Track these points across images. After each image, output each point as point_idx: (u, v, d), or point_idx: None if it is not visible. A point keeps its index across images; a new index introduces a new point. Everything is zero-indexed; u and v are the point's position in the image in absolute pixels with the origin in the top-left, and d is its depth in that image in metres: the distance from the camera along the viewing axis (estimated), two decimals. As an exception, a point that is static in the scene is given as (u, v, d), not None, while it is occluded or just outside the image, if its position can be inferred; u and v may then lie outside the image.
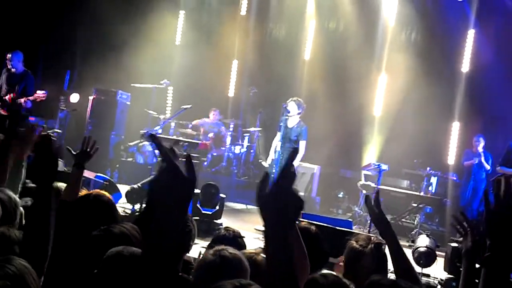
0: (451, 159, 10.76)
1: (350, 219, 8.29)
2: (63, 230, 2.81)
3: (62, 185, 3.47)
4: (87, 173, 6.81)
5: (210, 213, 7.17)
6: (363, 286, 1.74)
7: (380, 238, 2.74)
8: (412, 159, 10.51)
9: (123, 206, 7.21)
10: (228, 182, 10.58)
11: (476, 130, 9.76)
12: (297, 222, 3.03)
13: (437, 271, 6.10)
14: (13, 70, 8.60)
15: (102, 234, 2.37)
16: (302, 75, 12.48)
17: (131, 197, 7.29)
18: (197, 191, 7.19)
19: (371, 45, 11.81)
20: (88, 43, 12.36)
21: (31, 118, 10.16)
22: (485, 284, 1.56)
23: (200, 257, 2.36)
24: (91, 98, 10.92)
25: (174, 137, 10.78)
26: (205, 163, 11.47)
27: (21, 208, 2.84)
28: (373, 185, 9.31)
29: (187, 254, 3.42)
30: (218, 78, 12.96)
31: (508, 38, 10.17)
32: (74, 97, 11.17)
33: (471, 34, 10.98)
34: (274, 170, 7.83)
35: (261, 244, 3.17)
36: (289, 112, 7.91)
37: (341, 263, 3.14)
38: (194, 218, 6.55)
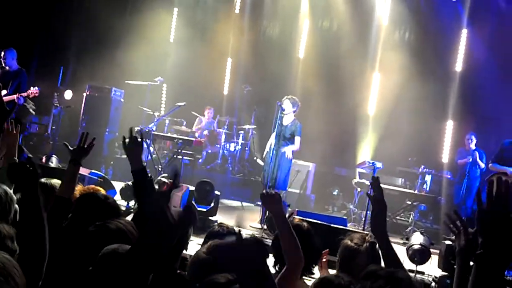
0: (445, 157, 10.82)
1: (344, 217, 8.31)
2: (59, 225, 2.81)
3: (56, 181, 3.45)
4: (81, 170, 6.79)
5: (205, 210, 7.16)
6: (360, 277, 1.75)
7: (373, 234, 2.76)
8: (406, 157, 10.55)
9: (118, 203, 7.18)
10: (223, 180, 10.57)
11: (470, 129, 9.80)
12: (290, 219, 3.04)
13: (432, 268, 6.12)
14: (7, 68, 8.55)
15: (98, 230, 2.36)
16: (296, 73, 12.50)
17: (126, 193, 7.28)
18: (192, 188, 7.19)
19: (365, 44, 11.84)
20: (82, 40, 12.32)
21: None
22: (476, 280, 1.57)
23: (194, 254, 2.35)
24: (84, 94, 10.88)
25: (169, 134, 10.77)
26: (200, 160, 11.47)
27: (16, 206, 2.83)
28: (367, 183, 9.33)
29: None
30: (212, 76, 12.95)
31: (500, 38, 10.21)
32: (68, 94, 11.13)
33: (464, 33, 11.03)
34: (267, 167, 7.83)
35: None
36: (284, 110, 7.91)
37: (324, 259, 3.15)
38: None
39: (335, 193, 11.08)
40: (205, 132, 11.66)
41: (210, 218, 7.16)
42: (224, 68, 13.36)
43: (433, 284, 5.54)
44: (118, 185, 7.53)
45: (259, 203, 7.91)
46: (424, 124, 10.67)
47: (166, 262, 2.41)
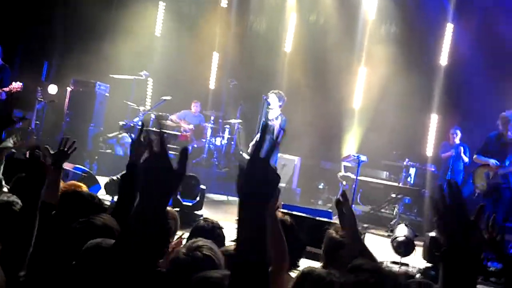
0: (429, 150, 10.90)
1: (330, 210, 8.35)
2: (45, 227, 2.79)
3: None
4: (65, 165, 6.73)
5: (190, 204, 7.16)
6: (346, 270, 1.76)
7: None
8: (391, 150, 10.63)
9: (102, 198, 7.13)
10: (208, 174, 10.56)
11: (454, 123, 9.88)
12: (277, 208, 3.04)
13: (416, 260, 6.18)
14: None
15: (84, 226, 2.35)
16: (283, 67, 12.49)
17: (110, 188, 7.23)
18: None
19: (351, 38, 11.87)
20: (67, 35, 12.18)
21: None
22: (444, 279, 1.56)
23: (173, 253, 2.34)
24: (69, 89, 10.78)
25: (154, 129, 10.71)
26: (186, 154, 11.42)
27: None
28: (352, 176, 9.39)
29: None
30: (198, 70, 12.89)
31: (485, 32, 10.29)
32: (52, 89, 11.02)
33: (449, 27, 11.09)
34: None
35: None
36: (269, 105, 7.91)
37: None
38: (174, 209, 6.56)
39: (320, 186, 11.13)
40: (191, 127, 11.62)
41: (196, 212, 7.16)
42: (210, 63, 13.30)
43: (417, 275, 5.59)
44: (103, 180, 7.48)
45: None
46: (409, 117, 10.74)
47: (149, 258, 2.40)
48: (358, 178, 8.62)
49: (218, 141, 11.39)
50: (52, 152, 3.30)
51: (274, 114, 8.07)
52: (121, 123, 10.48)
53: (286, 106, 8.29)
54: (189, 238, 3.21)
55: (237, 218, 1.41)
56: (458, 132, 9.55)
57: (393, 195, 9.59)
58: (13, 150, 7.08)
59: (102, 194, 7.25)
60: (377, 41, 11.58)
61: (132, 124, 8.95)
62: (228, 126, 11.53)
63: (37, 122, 10.75)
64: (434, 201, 1.64)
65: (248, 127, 11.27)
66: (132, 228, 1.42)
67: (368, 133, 11.17)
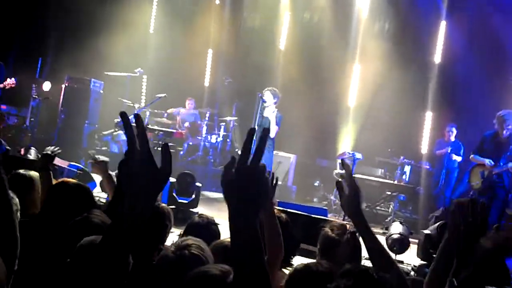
0: (424, 148, 10.93)
1: (325, 207, 8.37)
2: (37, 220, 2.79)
3: (35, 173, 3.44)
4: (60, 162, 6.73)
5: (186, 202, 7.16)
6: (338, 275, 1.76)
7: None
8: (386, 148, 10.65)
9: (98, 195, 7.12)
10: (204, 171, 10.56)
11: (448, 120, 9.92)
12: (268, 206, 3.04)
13: (411, 257, 6.20)
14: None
15: (81, 223, 2.35)
16: (277, 65, 12.49)
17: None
18: (173, 180, 7.17)
19: (345, 36, 11.88)
20: (61, 32, 12.14)
21: (3, 107, 9.95)
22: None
23: (162, 251, 2.34)
24: (63, 86, 10.74)
25: (149, 126, 10.70)
26: (182, 152, 11.42)
27: None
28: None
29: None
30: (193, 67, 12.87)
31: (479, 30, 10.32)
32: (47, 85, 10.98)
33: (442, 25, 11.12)
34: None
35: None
36: (265, 102, 7.91)
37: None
38: (170, 207, 6.56)
39: (316, 184, 11.14)
40: (186, 124, 11.60)
41: (191, 210, 7.16)
42: (205, 60, 13.29)
43: (412, 273, 5.61)
44: (98, 178, 7.46)
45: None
46: (403, 115, 10.77)
47: (144, 254, 2.41)
48: (354, 175, 8.60)
49: (213, 139, 11.38)
50: (39, 155, 3.37)
51: (269, 111, 8.07)
52: (116, 120, 10.46)
53: (281, 104, 8.30)
54: (183, 235, 3.21)
55: (228, 226, 1.39)
56: (454, 129, 9.58)
57: (388, 193, 9.62)
58: (7, 147, 7.07)
59: (97, 192, 7.24)
60: (371, 39, 11.60)
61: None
62: (223, 123, 11.52)
63: (32, 119, 10.72)
64: (453, 215, 1.66)
65: (243, 124, 11.27)
66: (119, 226, 1.40)
67: (363, 131, 11.19)
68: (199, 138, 11.48)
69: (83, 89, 10.72)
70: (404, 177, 9.84)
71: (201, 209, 7.31)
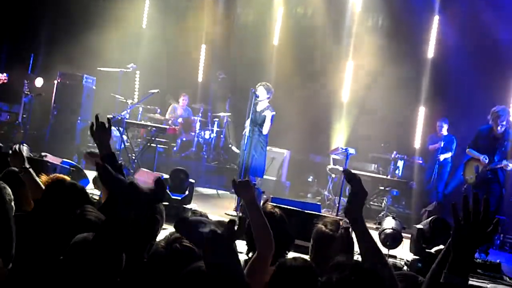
0: (417, 143, 10.97)
1: (319, 203, 8.39)
2: (31, 216, 2.78)
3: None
4: (53, 159, 6.71)
5: (179, 198, 7.13)
6: (329, 268, 1.77)
7: (347, 222, 2.77)
8: (379, 143, 10.67)
9: (91, 192, 7.10)
10: (198, 167, 10.55)
11: (441, 115, 9.96)
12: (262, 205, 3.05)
13: (403, 252, 6.23)
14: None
15: (78, 220, 2.35)
16: (271, 60, 12.47)
17: (99, 183, 7.19)
18: (166, 176, 7.15)
19: (339, 31, 11.88)
20: (53, 27, 12.08)
21: None
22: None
23: (153, 246, 2.34)
24: (56, 82, 10.68)
25: (142, 122, 10.67)
26: (175, 148, 11.41)
27: None
28: (341, 169, 9.42)
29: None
30: (186, 63, 12.85)
31: (471, 25, 10.35)
32: (39, 81, 10.91)
33: (435, 20, 11.14)
34: (243, 154, 7.83)
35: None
36: (258, 97, 7.90)
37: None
38: (163, 203, 6.54)
39: (310, 179, 11.16)
40: (180, 120, 11.58)
41: (185, 206, 7.14)
42: (198, 55, 13.25)
43: (405, 267, 5.63)
44: (92, 174, 7.43)
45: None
46: (396, 110, 10.80)
47: (136, 251, 2.40)
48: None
49: (207, 135, 11.37)
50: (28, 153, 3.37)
51: (262, 106, 8.06)
52: (109, 116, 10.41)
53: (275, 99, 8.29)
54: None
55: (226, 212, 1.43)
56: (444, 124, 9.63)
57: (381, 188, 9.65)
58: (0, 144, 7.03)
59: (90, 188, 7.21)
60: (364, 34, 11.60)
61: (120, 117, 8.88)
62: (217, 119, 11.51)
63: (24, 115, 10.66)
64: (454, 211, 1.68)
65: (237, 120, 11.26)
66: (113, 224, 1.41)
67: (356, 126, 11.22)
68: (193, 134, 11.46)
69: (76, 85, 10.67)
70: (397, 172, 9.87)
71: (194, 205, 7.30)
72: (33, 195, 3.14)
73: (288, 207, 5.91)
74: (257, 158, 7.91)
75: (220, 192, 9.56)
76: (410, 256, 5.95)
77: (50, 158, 6.68)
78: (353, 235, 2.73)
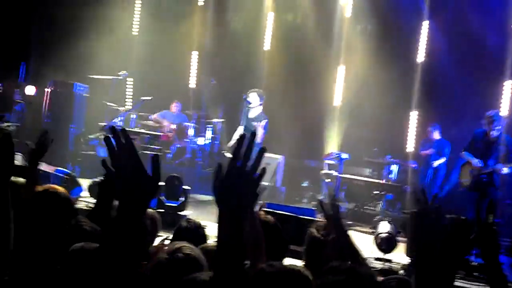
0: (410, 147, 11.02)
1: (314, 208, 8.39)
2: (24, 226, 2.76)
3: (21, 180, 3.40)
4: (47, 168, 6.67)
5: (174, 205, 7.12)
6: (323, 272, 1.77)
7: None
8: (373, 147, 10.70)
9: (86, 201, 7.08)
10: (192, 174, 10.51)
11: (433, 119, 10.02)
12: (256, 208, 3.05)
13: (399, 256, 6.24)
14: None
15: (73, 230, 2.34)
16: (262, 66, 12.50)
17: (94, 190, 7.16)
18: (161, 183, 7.13)
19: (329, 36, 11.92)
20: (44, 35, 12.04)
21: None
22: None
23: (155, 257, 2.33)
24: (47, 90, 10.64)
25: (136, 129, 10.65)
26: (169, 155, 11.37)
27: None
28: (335, 173, 9.45)
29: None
30: (178, 69, 12.84)
31: (460, 29, 10.45)
32: (30, 90, 10.87)
33: (425, 25, 11.22)
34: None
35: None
36: (250, 103, 7.91)
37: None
38: (158, 210, 6.52)
39: (304, 184, 11.17)
40: (173, 127, 11.56)
41: (180, 213, 7.13)
42: (189, 62, 13.25)
43: (401, 271, 5.65)
44: (87, 183, 7.41)
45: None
46: (389, 114, 10.83)
47: (130, 261, 2.38)
48: (341, 175, 8.67)
49: (201, 141, 11.36)
50: (33, 147, 3.32)
51: (255, 113, 8.08)
52: (101, 124, 10.39)
53: (267, 105, 8.31)
54: (172, 240, 3.20)
55: (217, 227, 1.44)
56: (434, 129, 9.69)
57: (376, 192, 9.67)
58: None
59: (85, 197, 7.19)
60: (354, 38, 11.67)
61: (112, 125, 8.87)
62: (210, 125, 11.50)
63: (17, 124, 10.60)
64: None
65: (229, 126, 11.26)
66: (112, 234, 1.42)
67: (349, 130, 11.24)
68: (186, 140, 11.45)
69: (67, 93, 10.62)
70: (391, 176, 9.91)
71: (189, 212, 7.29)
72: (26, 194, 3.09)
73: (283, 212, 5.91)
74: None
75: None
76: (406, 260, 5.97)
77: (44, 166, 6.64)
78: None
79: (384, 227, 6.39)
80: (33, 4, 11.86)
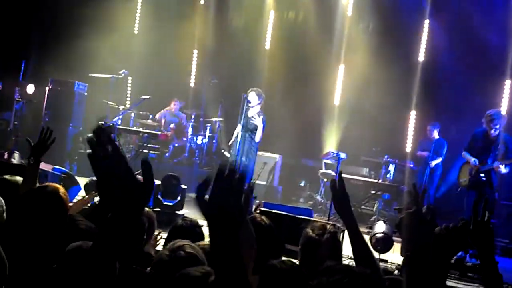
0: (408, 147, 11.03)
1: (310, 207, 8.43)
2: (21, 224, 2.78)
3: (19, 179, 3.43)
4: (44, 166, 6.68)
5: (171, 204, 7.15)
6: (318, 272, 1.80)
7: (335, 226, 2.80)
8: (371, 147, 10.72)
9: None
10: (190, 173, 10.54)
11: (432, 119, 10.02)
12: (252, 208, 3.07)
13: (394, 256, 6.27)
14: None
15: (69, 229, 2.37)
16: (263, 65, 12.51)
17: (90, 189, 7.18)
18: (158, 182, 7.16)
19: (330, 35, 11.93)
20: (44, 34, 12.05)
21: None
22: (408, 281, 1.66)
23: (156, 255, 2.36)
24: (47, 89, 10.66)
25: (134, 128, 10.68)
26: (167, 154, 11.40)
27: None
28: (333, 173, 9.48)
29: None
30: (178, 68, 12.86)
31: (462, 28, 10.44)
32: (30, 88, 10.89)
33: (426, 24, 11.23)
34: (234, 159, 7.87)
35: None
36: (249, 102, 7.93)
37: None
38: (155, 209, 6.55)
39: (302, 184, 11.19)
40: (172, 125, 11.58)
41: (177, 212, 7.15)
42: (190, 60, 13.27)
43: (396, 271, 5.67)
44: (83, 181, 7.43)
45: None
46: (388, 114, 10.83)
47: (124, 259, 2.42)
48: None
49: (199, 140, 11.37)
50: (32, 144, 3.33)
51: (254, 112, 8.09)
52: (100, 122, 10.40)
53: (267, 104, 8.32)
54: (168, 238, 3.22)
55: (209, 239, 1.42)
56: (434, 128, 9.70)
57: (373, 192, 9.70)
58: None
59: (82, 195, 7.20)
60: (355, 38, 11.67)
61: (111, 124, 8.89)
62: (209, 124, 11.52)
63: (16, 122, 10.63)
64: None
65: (229, 125, 11.27)
66: (106, 234, 1.44)
67: (348, 130, 11.25)
68: (185, 139, 11.47)
69: (67, 92, 10.65)
70: (388, 176, 9.93)
71: (186, 211, 7.31)
72: (21, 189, 3.11)
73: (280, 212, 5.94)
74: (247, 164, 7.93)
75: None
76: (402, 260, 5.99)
77: (41, 165, 6.65)
78: (340, 239, 2.79)
79: (380, 227, 6.42)
80: (33, 3, 11.86)
